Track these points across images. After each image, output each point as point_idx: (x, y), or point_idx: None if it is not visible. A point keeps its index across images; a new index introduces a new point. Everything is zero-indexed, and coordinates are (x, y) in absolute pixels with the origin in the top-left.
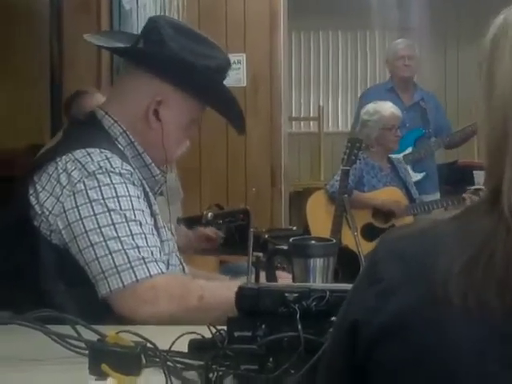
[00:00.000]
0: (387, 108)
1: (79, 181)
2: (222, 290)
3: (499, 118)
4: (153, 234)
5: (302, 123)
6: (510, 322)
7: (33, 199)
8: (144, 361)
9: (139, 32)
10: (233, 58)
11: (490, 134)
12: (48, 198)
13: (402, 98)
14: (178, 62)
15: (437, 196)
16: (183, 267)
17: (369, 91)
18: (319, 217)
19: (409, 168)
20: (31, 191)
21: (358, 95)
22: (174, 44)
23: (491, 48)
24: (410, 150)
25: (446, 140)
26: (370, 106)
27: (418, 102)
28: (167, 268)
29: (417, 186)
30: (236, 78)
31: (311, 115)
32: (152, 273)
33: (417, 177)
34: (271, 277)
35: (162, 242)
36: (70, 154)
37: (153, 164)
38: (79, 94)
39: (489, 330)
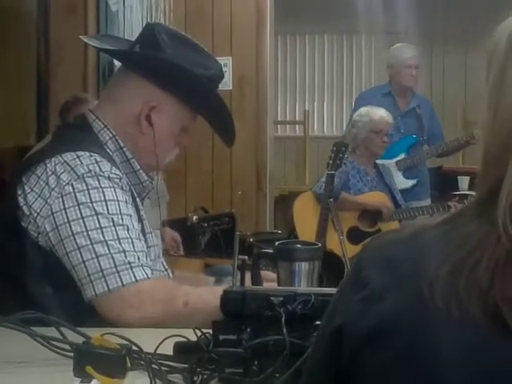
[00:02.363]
0: (378, 112)
1: (68, 183)
2: (207, 295)
3: (504, 129)
4: (139, 239)
5: (287, 127)
6: (490, 332)
7: (21, 200)
8: (129, 363)
9: (125, 33)
10: (219, 61)
11: (493, 141)
12: (36, 199)
13: (399, 103)
14: (174, 68)
15: (428, 202)
16: (168, 273)
17: (365, 94)
18: (306, 217)
19: (400, 174)
20: (19, 192)
21: (344, 99)
22: (170, 51)
23: (505, 55)
24: (402, 156)
25: (440, 149)
26: (364, 109)
27: (414, 108)
28: (152, 273)
29: (409, 193)
30: (222, 81)
31: (297, 119)
32: (138, 278)
33: (408, 183)
34: (256, 280)
35: (148, 247)
36: (59, 157)
37: (141, 170)
38: (77, 101)
39: (470, 336)
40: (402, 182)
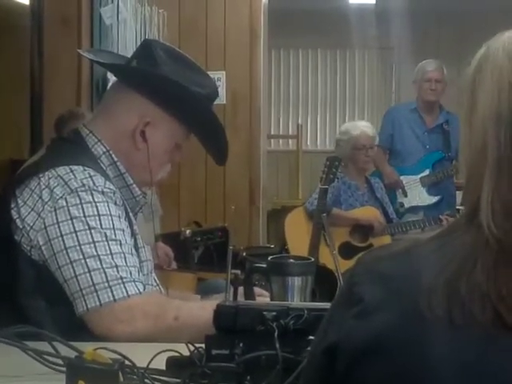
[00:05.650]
0: (358, 128)
1: (61, 197)
2: (198, 310)
3: (479, 138)
4: (132, 254)
5: (280, 141)
6: (491, 335)
7: (14, 213)
8: (121, 378)
9: (119, 47)
10: (212, 75)
11: (470, 153)
12: (29, 213)
13: (425, 120)
14: (171, 85)
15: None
16: (160, 288)
17: (393, 109)
18: (297, 234)
19: (424, 190)
20: (13, 205)
21: (337, 114)
22: (167, 67)
23: (474, 72)
24: (427, 172)
25: None
26: (344, 126)
27: (441, 124)
28: (145, 288)
29: (432, 209)
30: (216, 99)
31: (290, 133)
32: (130, 293)
33: (432, 200)
34: (249, 294)
35: (141, 262)
36: (53, 171)
37: (134, 185)
38: (72, 116)
39: (473, 345)
40: (425, 198)
